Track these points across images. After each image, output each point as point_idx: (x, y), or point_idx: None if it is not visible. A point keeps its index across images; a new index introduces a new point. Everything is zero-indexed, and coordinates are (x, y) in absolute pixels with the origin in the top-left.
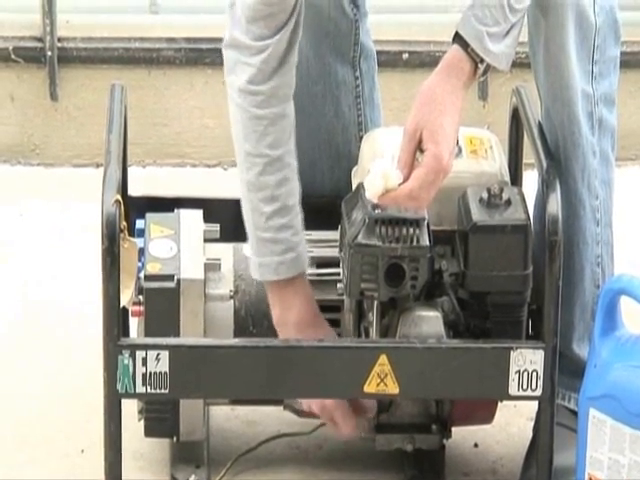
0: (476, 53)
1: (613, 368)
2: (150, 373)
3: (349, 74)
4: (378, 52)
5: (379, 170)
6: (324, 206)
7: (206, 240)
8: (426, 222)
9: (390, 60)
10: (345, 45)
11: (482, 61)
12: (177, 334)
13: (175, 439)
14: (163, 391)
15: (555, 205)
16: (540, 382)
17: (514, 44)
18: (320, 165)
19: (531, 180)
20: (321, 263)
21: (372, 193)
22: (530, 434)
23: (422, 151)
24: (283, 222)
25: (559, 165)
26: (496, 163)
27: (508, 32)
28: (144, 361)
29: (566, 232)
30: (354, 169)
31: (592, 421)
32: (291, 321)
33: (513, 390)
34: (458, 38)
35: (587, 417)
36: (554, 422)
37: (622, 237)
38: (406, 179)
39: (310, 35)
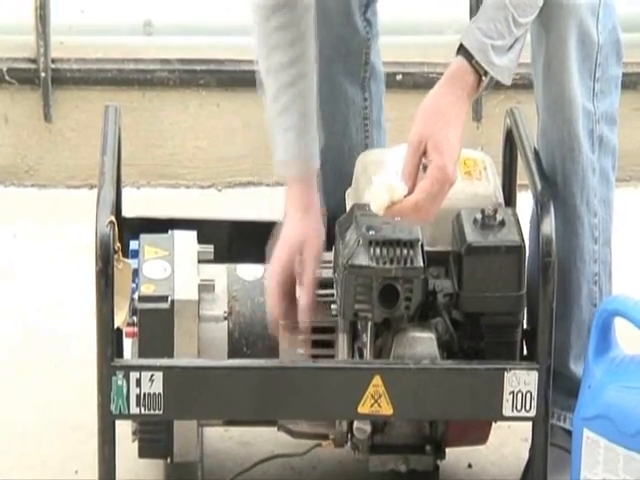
0: (480, 65)
1: (607, 389)
2: (144, 394)
3: (358, 95)
4: None
5: (384, 183)
6: None
7: (200, 261)
8: (420, 243)
9: (384, 81)
10: (356, 65)
11: (486, 74)
12: (171, 355)
13: (169, 460)
14: (157, 412)
15: (549, 226)
16: (534, 403)
17: (517, 59)
18: (324, 185)
19: (525, 201)
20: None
21: (377, 206)
22: (524, 455)
23: (425, 167)
24: (289, 123)
25: (557, 182)
26: (490, 184)
27: (512, 46)
28: (138, 382)
29: (564, 250)
30: (348, 190)
31: (586, 442)
32: (287, 215)
33: (507, 411)
34: (462, 50)
35: (581, 437)
36: (548, 443)
37: (617, 257)
38: (411, 191)
39: (322, 54)
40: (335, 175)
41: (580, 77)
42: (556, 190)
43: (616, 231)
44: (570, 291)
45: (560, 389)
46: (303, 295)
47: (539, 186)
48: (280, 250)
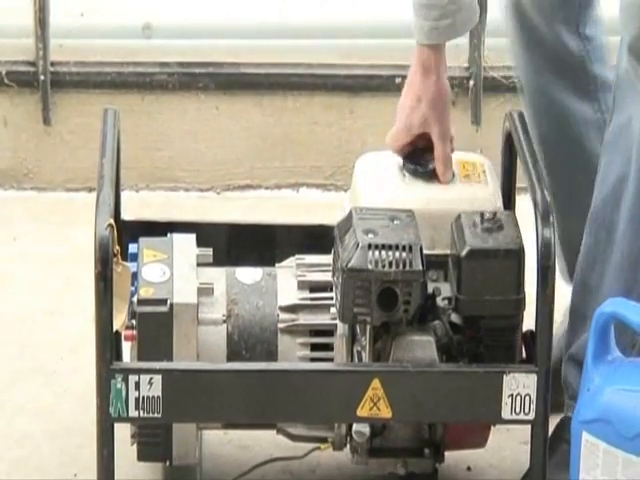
0: None
1: (606, 392)
2: (143, 397)
3: (588, 110)
4: (371, 76)
5: None
6: (317, 230)
7: (199, 264)
8: (419, 246)
9: (383, 84)
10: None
11: None
12: (170, 358)
13: (168, 463)
14: (156, 415)
15: (549, 231)
16: (533, 406)
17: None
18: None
19: (524, 205)
20: (314, 287)
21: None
22: (523, 458)
23: None
24: None
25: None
26: (489, 188)
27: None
28: (137, 385)
29: None
30: (347, 193)
31: (585, 445)
32: (426, 91)
33: (506, 414)
34: None
35: (580, 441)
36: (547, 446)
37: None
38: None
39: (546, 77)
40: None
41: None
42: None
43: None
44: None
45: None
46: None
47: (538, 189)
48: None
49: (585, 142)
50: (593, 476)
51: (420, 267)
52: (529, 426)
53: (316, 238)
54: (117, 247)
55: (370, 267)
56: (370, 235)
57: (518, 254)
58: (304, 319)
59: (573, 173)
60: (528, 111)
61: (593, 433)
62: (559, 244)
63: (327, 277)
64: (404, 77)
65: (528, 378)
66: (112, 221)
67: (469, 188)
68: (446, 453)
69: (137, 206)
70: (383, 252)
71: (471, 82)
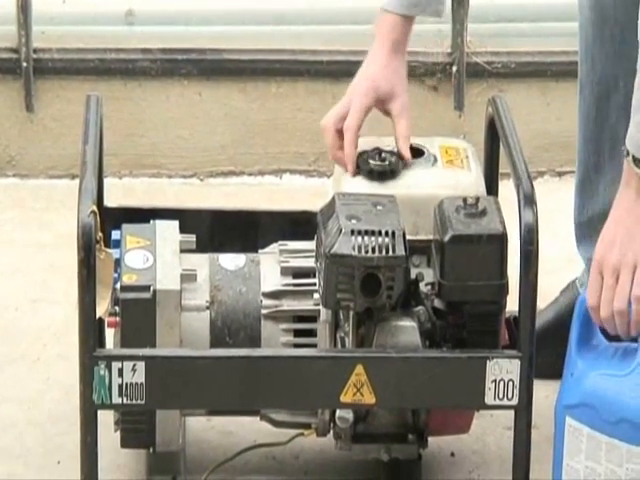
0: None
1: (589, 377)
2: (126, 384)
3: None
4: (354, 62)
5: None
6: (300, 216)
7: (182, 251)
8: (402, 232)
9: None
10: None
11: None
12: (153, 345)
13: (151, 450)
14: (139, 402)
15: (531, 215)
16: (516, 391)
17: None
18: None
19: (507, 190)
20: (297, 273)
21: None
22: (507, 444)
23: None
24: None
25: None
26: (472, 173)
27: None
28: (120, 372)
29: None
30: (330, 180)
31: (568, 430)
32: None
33: (489, 399)
34: (626, 153)
35: (564, 425)
36: (530, 431)
37: None
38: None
39: None
40: None
41: None
42: None
43: None
44: None
45: None
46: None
47: (521, 175)
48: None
49: None
50: (577, 461)
51: (403, 253)
52: (512, 412)
53: (299, 224)
54: (100, 234)
55: (353, 253)
56: (353, 221)
57: (501, 239)
58: (287, 305)
59: None
60: None
61: (577, 418)
62: None
63: (310, 263)
64: None
65: (511, 364)
66: (95, 208)
67: (452, 173)
68: (430, 439)
69: (120, 193)
70: (366, 238)
71: (454, 68)
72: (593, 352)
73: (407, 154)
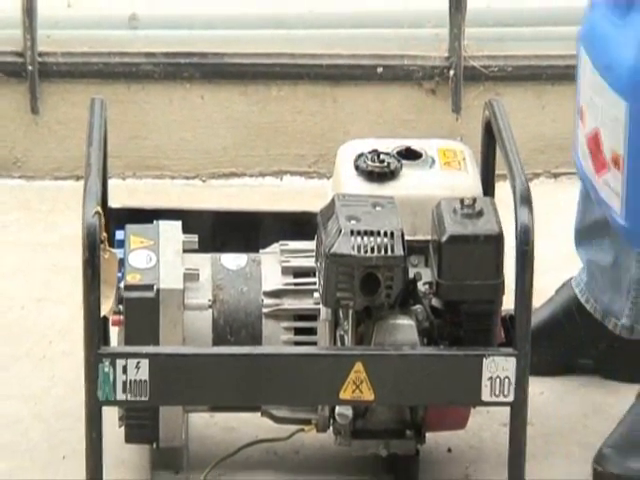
0: None
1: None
2: (130, 381)
3: None
4: (353, 66)
5: None
6: (301, 217)
7: (185, 251)
8: (400, 232)
9: (365, 74)
10: None
11: None
12: (157, 343)
13: (155, 445)
14: (143, 398)
15: (527, 215)
16: (512, 388)
17: None
18: None
19: (503, 191)
20: (298, 273)
21: None
22: (503, 439)
23: None
24: None
25: None
26: (469, 174)
27: None
28: (124, 369)
29: None
30: (330, 181)
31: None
32: None
33: (486, 396)
34: None
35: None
36: (525, 427)
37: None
38: None
39: None
40: None
41: None
42: None
43: None
44: None
45: None
46: None
47: (517, 176)
48: None
49: None
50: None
51: (401, 252)
52: (508, 408)
53: (300, 225)
54: (104, 234)
55: (352, 253)
56: (352, 221)
57: (497, 239)
58: (288, 304)
59: None
60: None
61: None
62: None
63: (310, 263)
64: (385, 67)
65: (507, 361)
66: (99, 209)
67: (449, 175)
68: (427, 435)
69: (124, 194)
70: (365, 238)
71: (451, 71)
72: None
73: None
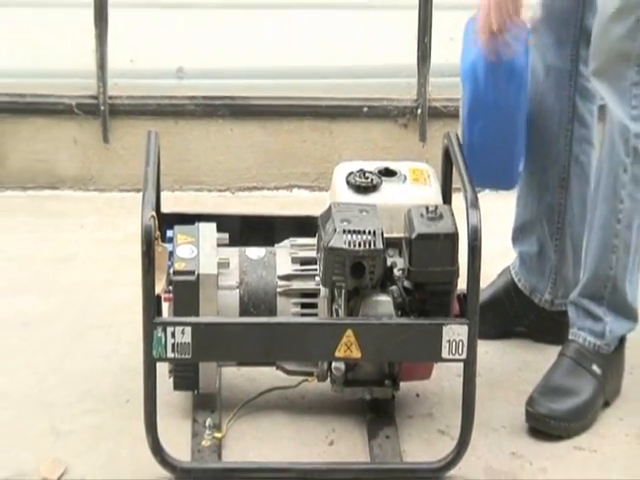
0: None
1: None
2: (177, 343)
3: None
4: (343, 107)
5: None
6: (306, 220)
7: (218, 245)
8: (381, 231)
9: (354, 112)
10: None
11: None
12: (197, 314)
13: (196, 392)
14: (187, 356)
15: (475, 218)
16: (465, 349)
17: None
18: None
19: (458, 200)
20: (304, 262)
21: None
22: (458, 387)
23: None
24: None
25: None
26: (432, 188)
27: None
28: (173, 334)
29: (593, 215)
30: (328, 193)
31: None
32: None
33: (445, 354)
34: None
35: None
36: (475, 377)
37: None
38: None
39: None
40: None
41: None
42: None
43: None
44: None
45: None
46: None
47: (468, 189)
48: None
49: None
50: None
51: (381, 246)
52: (462, 364)
53: (305, 225)
54: (158, 233)
55: (344, 247)
56: (345, 223)
57: (454, 237)
58: (296, 285)
59: None
60: None
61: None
62: None
63: (313, 254)
64: (369, 107)
65: (461, 328)
66: (154, 213)
67: (418, 188)
68: (401, 383)
69: (172, 202)
70: (354, 235)
71: (419, 110)
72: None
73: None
